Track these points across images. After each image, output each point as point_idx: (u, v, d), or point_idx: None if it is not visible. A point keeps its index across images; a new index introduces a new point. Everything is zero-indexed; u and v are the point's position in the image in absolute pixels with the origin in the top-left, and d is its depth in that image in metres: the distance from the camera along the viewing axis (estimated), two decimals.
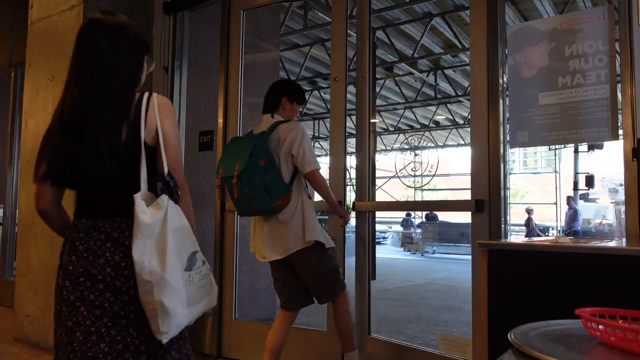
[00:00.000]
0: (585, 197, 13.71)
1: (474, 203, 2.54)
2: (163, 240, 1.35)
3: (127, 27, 1.48)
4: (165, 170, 1.42)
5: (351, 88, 3.24)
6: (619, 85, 2.22)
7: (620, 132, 2.20)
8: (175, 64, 3.95)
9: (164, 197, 1.38)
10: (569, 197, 12.98)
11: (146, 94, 1.46)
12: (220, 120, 3.63)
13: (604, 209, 13.11)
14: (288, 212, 2.45)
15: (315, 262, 2.51)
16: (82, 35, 1.46)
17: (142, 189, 1.37)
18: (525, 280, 1.92)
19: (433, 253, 14.66)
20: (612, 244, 1.99)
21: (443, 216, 16.67)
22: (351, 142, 3.18)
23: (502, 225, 2.51)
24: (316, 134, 16.22)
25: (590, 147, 12.75)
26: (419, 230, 15.76)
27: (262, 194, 2.31)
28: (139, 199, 1.35)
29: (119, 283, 1.37)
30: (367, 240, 3.10)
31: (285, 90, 2.70)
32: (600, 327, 1.01)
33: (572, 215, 12.34)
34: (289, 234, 2.46)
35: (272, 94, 2.69)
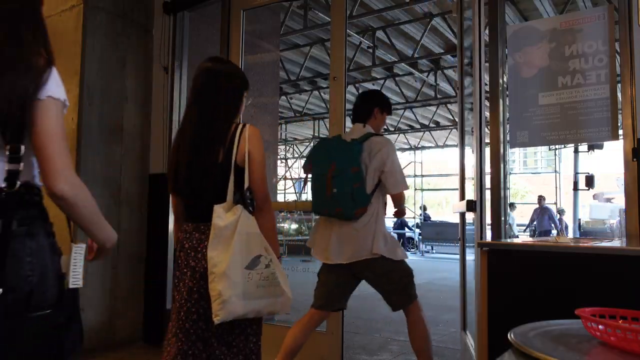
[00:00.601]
0: (599, 197, 13.58)
1: (465, 203, 2.55)
2: (231, 241, 1.68)
3: (232, 73, 1.90)
4: (246, 186, 1.76)
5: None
6: (619, 85, 2.22)
7: (620, 132, 2.20)
8: (175, 64, 3.95)
9: (239, 207, 1.72)
10: (540, 197, 12.86)
11: (240, 125, 1.83)
12: None
13: (617, 209, 12.95)
14: (362, 221, 2.47)
15: (387, 269, 2.50)
16: (196, 79, 1.89)
17: (227, 199, 1.73)
18: (525, 280, 1.92)
19: (433, 252, 14.66)
20: (612, 244, 1.99)
21: (442, 216, 16.67)
22: None
23: (502, 226, 2.51)
24: (316, 134, 16.22)
25: (590, 147, 12.73)
26: (417, 231, 15.74)
27: (348, 199, 2.38)
28: (218, 207, 1.71)
29: None
30: (462, 240, 3.29)
31: (377, 100, 2.74)
32: (600, 327, 1.01)
33: (543, 213, 12.28)
34: (359, 242, 2.47)
35: (364, 104, 2.72)
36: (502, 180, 2.52)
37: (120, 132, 3.78)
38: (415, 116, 14.95)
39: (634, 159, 2.10)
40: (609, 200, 13.08)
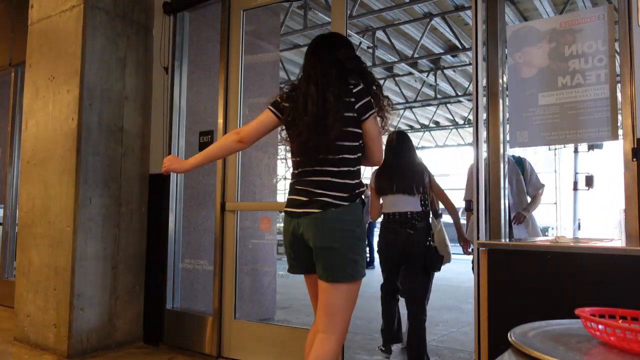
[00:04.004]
0: None
1: (465, 203, 2.56)
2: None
3: None
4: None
5: None
6: (619, 85, 2.22)
7: (620, 132, 2.20)
8: (175, 64, 3.95)
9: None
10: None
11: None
12: (220, 120, 3.63)
13: None
14: None
15: None
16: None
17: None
18: (525, 280, 1.92)
19: None
20: (612, 244, 2.00)
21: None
22: None
23: (502, 226, 2.51)
24: None
25: (590, 147, 12.73)
26: None
27: None
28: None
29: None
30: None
31: None
32: (600, 327, 1.01)
33: None
34: None
35: None
36: (502, 180, 2.52)
37: (120, 132, 3.78)
38: (415, 116, 14.95)
39: (634, 159, 2.10)
40: None
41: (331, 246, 1.88)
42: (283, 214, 2.67)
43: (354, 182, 1.96)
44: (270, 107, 2.10)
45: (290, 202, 2.04)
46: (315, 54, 2.05)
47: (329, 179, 1.93)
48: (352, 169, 1.97)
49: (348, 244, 1.90)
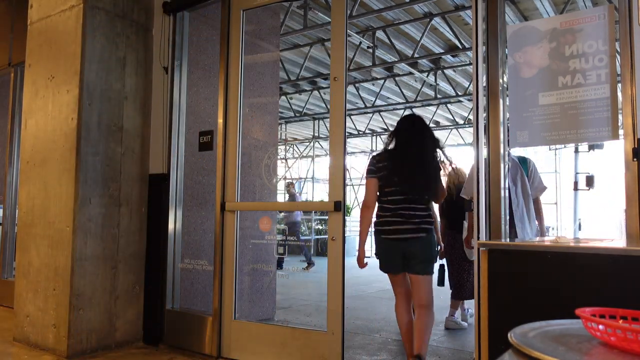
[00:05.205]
0: None
1: (465, 203, 2.56)
2: None
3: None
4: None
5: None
6: (619, 84, 2.22)
7: (621, 131, 2.20)
8: (175, 64, 3.95)
9: None
10: (288, 184, 11.32)
11: None
12: (220, 120, 3.63)
13: None
14: None
15: None
16: None
17: None
18: (525, 280, 1.91)
19: None
20: (612, 244, 1.99)
21: None
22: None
23: (503, 225, 2.51)
24: (316, 134, 16.22)
25: (591, 147, 12.73)
26: None
27: None
28: None
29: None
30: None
31: None
32: (600, 327, 1.01)
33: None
34: None
35: None
36: (502, 180, 2.52)
37: (120, 131, 3.78)
38: None
39: (634, 159, 2.10)
40: None
41: (431, 255, 2.97)
42: (283, 213, 2.72)
43: (431, 211, 3.05)
44: (369, 176, 3.07)
45: (395, 231, 2.97)
46: (412, 128, 3.09)
47: (420, 212, 2.95)
48: (427, 205, 3.02)
49: (435, 250, 3.01)
